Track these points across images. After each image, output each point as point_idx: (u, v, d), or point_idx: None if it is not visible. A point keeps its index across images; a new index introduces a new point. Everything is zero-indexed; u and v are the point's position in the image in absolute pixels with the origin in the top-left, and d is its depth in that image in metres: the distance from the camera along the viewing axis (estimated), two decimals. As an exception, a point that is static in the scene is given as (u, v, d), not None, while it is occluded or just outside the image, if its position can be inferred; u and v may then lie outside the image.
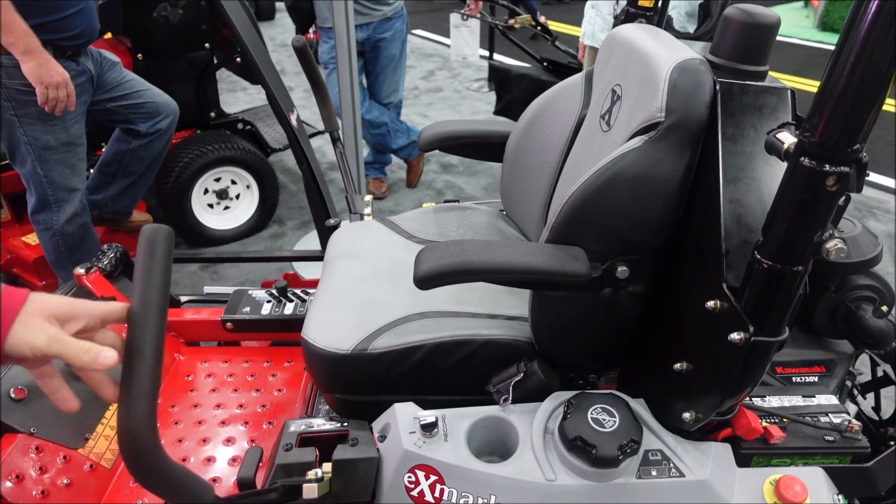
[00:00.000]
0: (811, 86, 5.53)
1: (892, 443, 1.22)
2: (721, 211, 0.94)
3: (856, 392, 1.50)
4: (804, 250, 0.84)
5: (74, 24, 2.08)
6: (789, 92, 1.00)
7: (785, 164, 0.84)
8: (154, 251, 0.75)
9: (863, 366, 1.48)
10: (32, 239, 2.71)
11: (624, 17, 1.48)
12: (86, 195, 2.60)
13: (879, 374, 1.54)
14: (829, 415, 1.18)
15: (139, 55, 2.87)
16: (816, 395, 1.23)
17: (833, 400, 1.22)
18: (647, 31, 1.23)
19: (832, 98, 0.74)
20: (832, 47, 0.79)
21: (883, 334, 1.24)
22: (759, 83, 1.00)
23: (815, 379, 1.30)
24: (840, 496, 1.08)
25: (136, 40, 2.88)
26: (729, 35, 1.01)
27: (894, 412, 1.46)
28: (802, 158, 0.79)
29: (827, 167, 0.77)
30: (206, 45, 3.06)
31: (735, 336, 0.91)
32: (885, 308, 1.29)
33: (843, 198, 0.81)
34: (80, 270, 1.76)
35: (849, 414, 1.19)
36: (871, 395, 1.56)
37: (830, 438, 1.14)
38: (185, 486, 0.83)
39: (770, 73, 1.03)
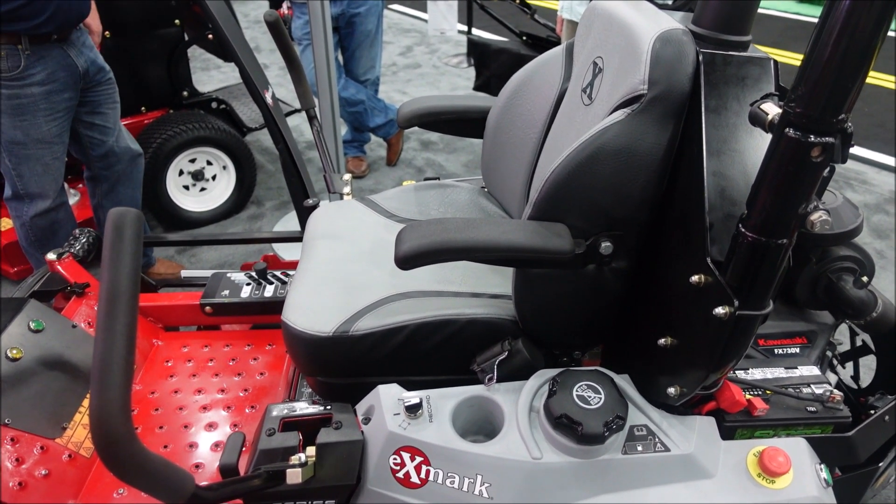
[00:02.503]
0: (790, 57, 5.55)
1: (871, 411, 1.23)
2: (705, 184, 0.93)
3: (835, 362, 1.51)
4: (789, 223, 0.84)
5: (41, 9, 1.91)
6: (772, 62, 0.99)
7: (769, 136, 0.83)
8: (122, 236, 0.72)
9: (840, 335, 1.49)
10: (2, 225, 2.64)
11: (604, -12, 1.45)
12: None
13: (858, 343, 1.56)
14: (811, 386, 1.19)
15: (106, 33, 2.77)
16: (798, 367, 1.24)
17: (815, 371, 1.23)
18: (628, 2, 1.20)
19: (817, 68, 0.73)
20: (810, 19, 0.77)
21: (863, 304, 1.25)
22: (742, 53, 0.98)
23: (797, 350, 1.31)
24: (822, 465, 1.09)
25: (103, 17, 2.76)
26: (711, 5, 0.98)
27: (873, 381, 1.48)
28: (787, 129, 0.78)
29: (812, 138, 0.76)
30: (177, 21, 2.97)
31: (720, 310, 0.90)
32: (865, 278, 1.30)
33: (827, 169, 0.80)
34: (51, 256, 1.72)
35: (830, 384, 1.20)
36: (849, 365, 1.58)
37: (812, 409, 1.15)
38: (163, 477, 0.81)
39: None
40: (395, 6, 7.19)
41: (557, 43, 3.47)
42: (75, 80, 2.10)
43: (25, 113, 1.99)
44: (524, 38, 3.75)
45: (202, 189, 3.14)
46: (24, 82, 1.96)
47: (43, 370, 1.40)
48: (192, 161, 3.04)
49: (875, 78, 5.13)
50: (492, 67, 3.87)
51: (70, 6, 1.99)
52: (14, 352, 1.36)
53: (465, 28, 5.10)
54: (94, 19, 2.34)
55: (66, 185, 2.36)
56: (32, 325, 1.44)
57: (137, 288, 0.75)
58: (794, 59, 5.53)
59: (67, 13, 1.99)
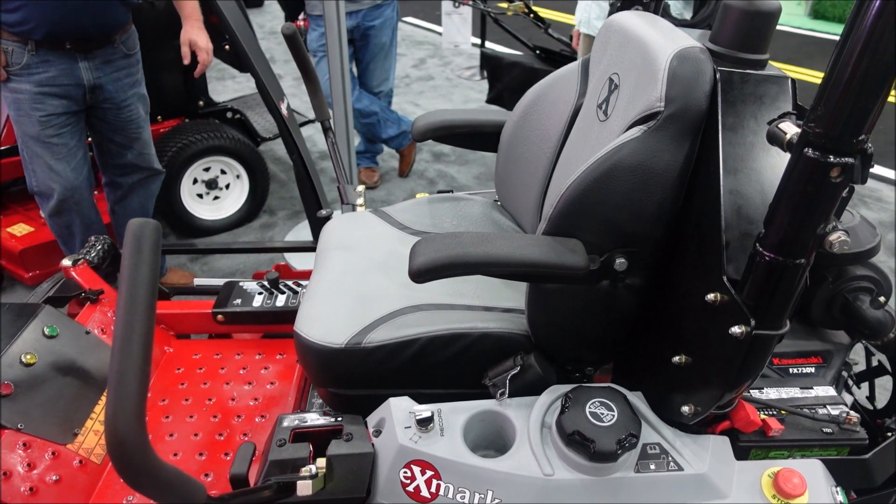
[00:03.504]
0: (803, 74, 5.53)
1: (888, 434, 1.22)
2: (721, 202, 0.93)
3: (851, 382, 1.50)
4: (807, 243, 0.83)
5: (24, 19, 1.94)
6: (790, 81, 0.99)
7: (787, 155, 0.82)
8: (141, 246, 0.73)
9: (856, 355, 1.47)
10: (18, 230, 2.67)
11: (620, 4, 1.46)
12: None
13: (874, 363, 1.54)
14: (827, 406, 1.18)
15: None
16: (814, 387, 1.22)
17: (831, 391, 1.22)
18: (645, 19, 1.20)
19: (837, 88, 0.73)
20: (824, 35, 0.77)
21: (880, 325, 1.23)
22: (759, 72, 0.98)
23: (813, 370, 1.30)
24: (838, 488, 1.08)
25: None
26: (729, 23, 0.99)
27: (889, 402, 1.46)
28: (806, 149, 0.77)
29: (831, 158, 0.76)
30: (194, 32, 3.00)
31: (736, 329, 0.90)
32: (882, 298, 1.29)
33: (847, 189, 0.80)
34: (66, 262, 1.73)
35: (846, 405, 1.19)
36: (865, 385, 1.56)
37: (828, 430, 1.14)
38: (176, 487, 0.81)
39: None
40: (409, 18, 7.25)
41: (571, 57, 3.48)
42: (79, 91, 2.13)
43: (21, 108, 2.08)
44: (537, 51, 3.77)
45: (215, 198, 3.17)
46: (22, 79, 2.03)
47: (56, 376, 1.40)
48: (207, 170, 3.07)
49: (893, 96, 5.10)
50: (505, 80, 3.88)
51: (62, 20, 2.00)
52: (28, 357, 1.37)
53: (478, 41, 5.13)
54: (199, 36, 2.36)
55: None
56: (47, 331, 1.45)
57: (155, 298, 0.76)
58: (808, 74, 5.51)
59: (57, 26, 2.00)
